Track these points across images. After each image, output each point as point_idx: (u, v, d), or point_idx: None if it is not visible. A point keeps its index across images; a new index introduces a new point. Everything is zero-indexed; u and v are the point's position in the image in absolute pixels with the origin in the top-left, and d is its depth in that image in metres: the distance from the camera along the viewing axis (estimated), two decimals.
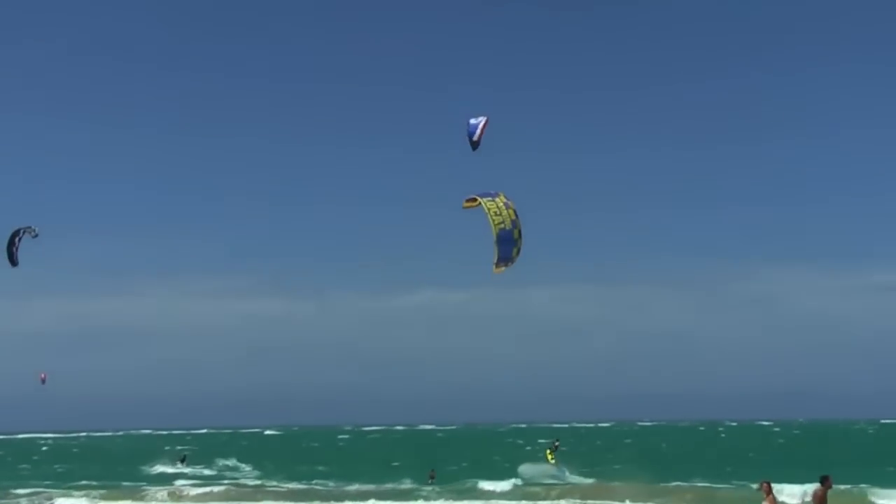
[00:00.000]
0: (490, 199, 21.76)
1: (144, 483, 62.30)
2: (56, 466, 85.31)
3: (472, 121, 22.07)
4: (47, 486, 59.71)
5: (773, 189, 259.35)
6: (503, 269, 22.02)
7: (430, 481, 55.79)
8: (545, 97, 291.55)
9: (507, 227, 21.68)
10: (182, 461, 79.76)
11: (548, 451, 61.19)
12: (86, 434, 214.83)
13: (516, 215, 21.80)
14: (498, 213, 21.65)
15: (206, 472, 74.91)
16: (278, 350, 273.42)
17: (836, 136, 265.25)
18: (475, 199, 21.96)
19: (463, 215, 22.20)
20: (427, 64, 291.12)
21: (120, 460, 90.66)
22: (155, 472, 74.20)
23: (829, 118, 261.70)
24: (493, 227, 21.60)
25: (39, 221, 29.99)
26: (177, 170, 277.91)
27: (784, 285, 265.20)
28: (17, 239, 28.94)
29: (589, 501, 45.96)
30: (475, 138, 21.90)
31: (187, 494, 53.30)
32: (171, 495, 52.91)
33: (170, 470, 75.79)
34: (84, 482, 63.17)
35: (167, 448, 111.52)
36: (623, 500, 45.04)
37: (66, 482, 63.92)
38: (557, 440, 68.82)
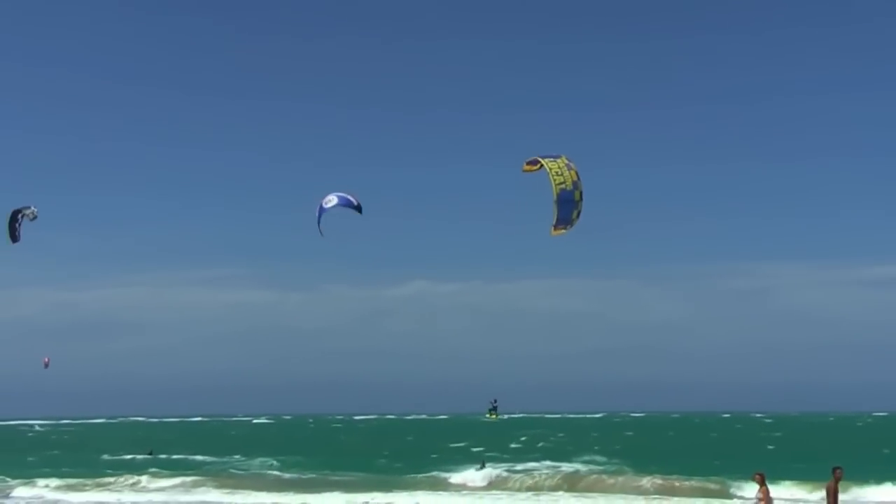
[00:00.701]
0: (552, 159, 20.98)
1: (123, 471, 60.64)
2: (29, 457, 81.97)
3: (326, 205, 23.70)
4: (14, 475, 58.18)
5: (763, 185, 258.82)
6: (562, 231, 20.97)
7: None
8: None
9: (568, 188, 20.77)
10: (150, 454, 78.21)
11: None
12: (81, 422, 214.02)
13: (578, 177, 20.88)
14: (559, 172, 20.78)
15: (185, 458, 73.33)
16: (269, 340, 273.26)
17: (826, 136, 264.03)
18: (536, 162, 21.12)
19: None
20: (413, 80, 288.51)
21: (101, 448, 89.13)
22: (128, 460, 72.95)
23: (817, 118, 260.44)
24: (553, 186, 20.72)
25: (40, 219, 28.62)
26: (167, 162, 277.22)
27: (775, 280, 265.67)
28: (19, 216, 28.24)
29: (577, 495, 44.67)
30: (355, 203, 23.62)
31: (147, 486, 51.61)
32: (135, 486, 51.48)
33: (141, 457, 74.79)
34: (64, 469, 61.66)
35: (154, 437, 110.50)
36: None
37: (37, 469, 62.49)
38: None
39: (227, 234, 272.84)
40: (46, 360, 39.12)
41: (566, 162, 20.93)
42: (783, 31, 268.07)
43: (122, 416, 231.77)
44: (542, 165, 21.05)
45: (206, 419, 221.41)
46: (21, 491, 50.16)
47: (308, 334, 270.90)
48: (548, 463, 58.06)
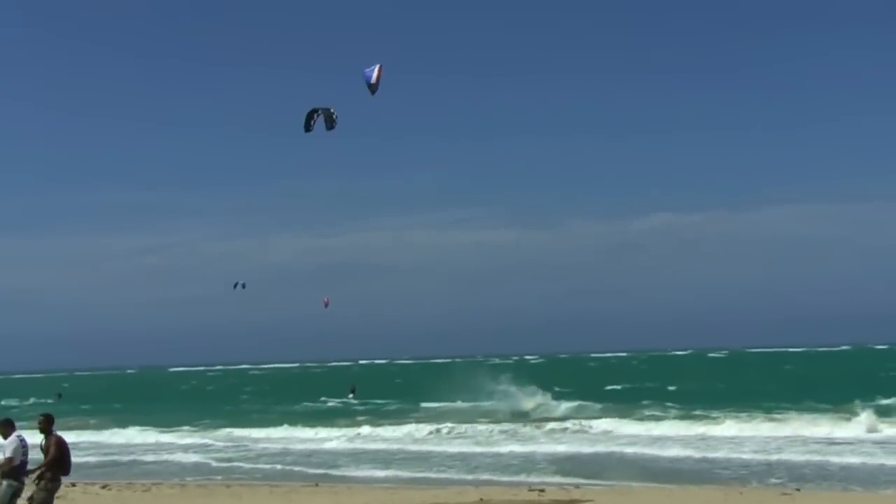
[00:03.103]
0: None
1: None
2: (239, 400, 78.74)
3: (367, 70, 19.82)
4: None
5: None
6: None
7: None
8: None
9: None
10: (353, 392, 74.42)
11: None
12: (318, 364, 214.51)
13: None
14: None
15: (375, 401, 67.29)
16: (510, 278, 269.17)
17: None
18: None
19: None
20: None
21: (319, 390, 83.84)
22: (327, 405, 68.29)
23: None
24: None
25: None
26: (404, 107, 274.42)
27: None
28: (315, 115, 26.55)
29: None
30: (372, 82, 19.52)
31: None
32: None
33: (347, 400, 70.77)
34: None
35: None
36: None
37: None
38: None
39: (469, 174, 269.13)
40: (326, 299, 37.90)
41: None
42: None
43: (366, 360, 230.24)
44: None
45: (449, 360, 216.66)
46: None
47: (552, 271, 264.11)
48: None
